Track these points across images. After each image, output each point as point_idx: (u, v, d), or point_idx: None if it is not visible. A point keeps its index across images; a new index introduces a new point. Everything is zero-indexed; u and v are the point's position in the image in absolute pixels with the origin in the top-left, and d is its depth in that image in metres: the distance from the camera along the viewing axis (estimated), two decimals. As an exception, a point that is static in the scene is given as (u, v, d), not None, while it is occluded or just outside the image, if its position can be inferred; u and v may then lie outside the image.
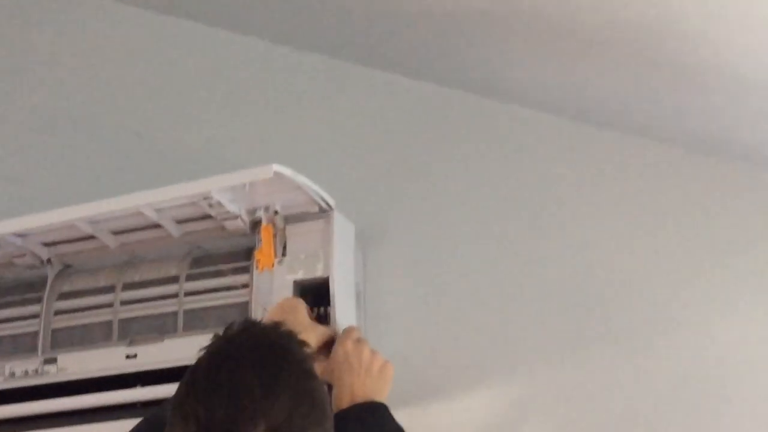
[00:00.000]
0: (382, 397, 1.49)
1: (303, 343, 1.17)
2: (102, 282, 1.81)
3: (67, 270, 1.87)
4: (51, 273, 1.85)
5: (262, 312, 1.64)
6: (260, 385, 1.05)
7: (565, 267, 1.74)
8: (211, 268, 1.74)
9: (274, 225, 1.68)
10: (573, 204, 1.78)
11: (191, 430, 1.04)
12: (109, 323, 1.77)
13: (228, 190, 1.65)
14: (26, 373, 1.79)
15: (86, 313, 1.79)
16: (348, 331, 1.58)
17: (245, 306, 1.69)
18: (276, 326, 1.17)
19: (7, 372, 1.80)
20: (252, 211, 1.71)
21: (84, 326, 1.79)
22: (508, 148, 1.85)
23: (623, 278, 1.71)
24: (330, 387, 1.49)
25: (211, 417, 1.03)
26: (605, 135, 1.78)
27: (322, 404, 1.12)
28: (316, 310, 1.63)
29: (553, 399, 1.69)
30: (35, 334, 1.80)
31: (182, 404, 1.07)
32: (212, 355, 1.11)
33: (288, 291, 1.65)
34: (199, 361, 1.11)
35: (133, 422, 1.46)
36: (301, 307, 1.57)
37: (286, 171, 1.59)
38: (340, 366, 1.51)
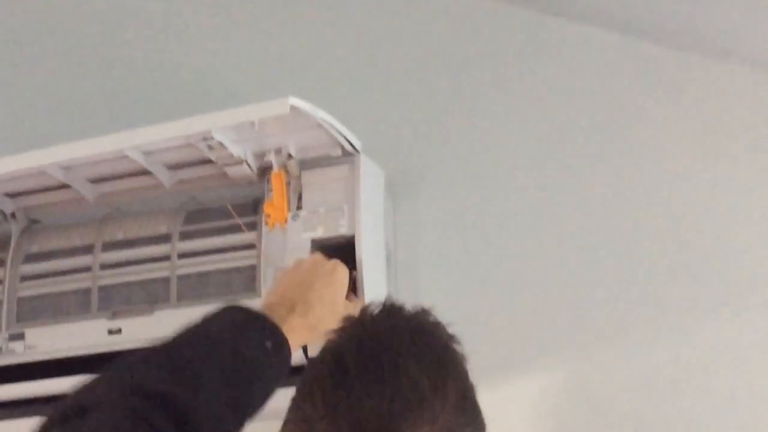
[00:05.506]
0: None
1: (456, 338, 1.07)
2: (77, 241, 1.70)
3: (35, 226, 1.76)
4: (16, 230, 1.74)
5: (272, 274, 1.51)
6: (428, 380, 0.97)
7: (639, 227, 1.56)
8: (210, 225, 1.62)
9: (287, 171, 1.56)
10: (649, 143, 1.59)
11: (341, 424, 0.94)
12: (86, 291, 1.66)
13: (232, 129, 1.52)
14: (-13, 351, 1.70)
15: (59, 278, 1.68)
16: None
17: (251, 271, 1.56)
18: (424, 313, 1.07)
19: (-37, 350, 1.71)
20: (260, 155, 1.58)
21: (56, 295, 1.68)
22: (566, 76, 1.66)
23: (709, 243, 1.53)
24: None
25: (367, 409, 0.95)
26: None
27: (481, 414, 1.04)
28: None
29: (610, 387, 1.53)
30: (-3, 303, 1.70)
31: (325, 394, 0.97)
32: (358, 341, 1.01)
33: (304, 252, 1.52)
34: (337, 347, 1.02)
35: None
36: (347, 282, 1.42)
37: (305, 105, 1.44)
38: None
